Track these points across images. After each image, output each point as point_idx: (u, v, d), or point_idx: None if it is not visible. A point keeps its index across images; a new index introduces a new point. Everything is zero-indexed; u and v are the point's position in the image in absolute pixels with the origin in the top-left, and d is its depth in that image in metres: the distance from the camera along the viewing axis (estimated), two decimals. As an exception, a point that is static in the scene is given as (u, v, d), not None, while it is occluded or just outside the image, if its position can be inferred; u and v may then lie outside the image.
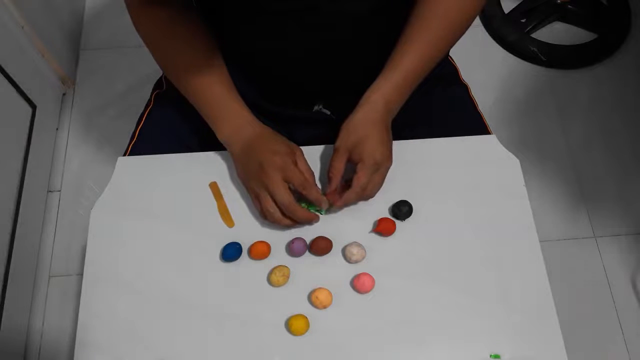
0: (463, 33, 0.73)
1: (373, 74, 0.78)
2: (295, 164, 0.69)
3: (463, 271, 0.68)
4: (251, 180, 0.70)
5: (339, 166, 0.69)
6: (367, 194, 0.69)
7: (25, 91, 1.30)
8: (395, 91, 0.71)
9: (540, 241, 0.70)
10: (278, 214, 0.68)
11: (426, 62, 0.72)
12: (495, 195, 0.73)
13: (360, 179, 0.67)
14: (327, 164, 0.75)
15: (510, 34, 1.66)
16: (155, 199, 0.72)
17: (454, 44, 0.74)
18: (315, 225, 0.71)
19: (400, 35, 0.72)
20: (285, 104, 0.82)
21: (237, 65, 0.78)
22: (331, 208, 0.70)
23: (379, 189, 0.69)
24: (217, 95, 0.73)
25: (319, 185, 0.73)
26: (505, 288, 0.67)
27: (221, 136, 0.73)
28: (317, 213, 0.70)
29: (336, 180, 0.69)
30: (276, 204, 0.67)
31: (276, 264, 0.67)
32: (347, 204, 0.70)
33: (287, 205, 0.67)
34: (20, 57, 1.30)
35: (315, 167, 0.74)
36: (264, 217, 0.69)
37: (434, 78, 0.78)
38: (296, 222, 0.69)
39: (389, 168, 0.70)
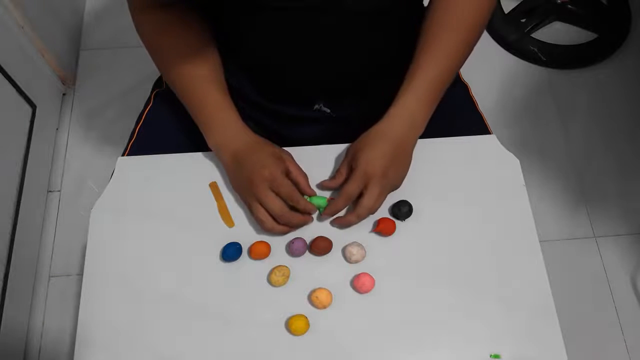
0: (480, 36, 0.73)
1: (374, 73, 0.78)
2: (286, 172, 0.69)
3: (463, 271, 0.68)
4: (242, 191, 0.70)
5: (342, 170, 0.70)
6: (359, 210, 0.67)
7: (25, 91, 1.30)
8: (419, 106, 0.70)
9: (540, 241, 0.70)
10: (270, 223, 0.68)
11: (448, 71, 0.72)
12: (495, 195, 0.73)
13: (348, 185, 0.68)
14: (326, 163, 0.75)
15: (510, 34, 1.66)
16: (155, 199, 0.72)
17: (472, 48, 0.74)
18: (315, 225, 0.71)
19: (418, 45, 0.72)
20: (285, 102, 0.81)
21: (238, 63, 0.78)
22: (325, 217, 0.71)
23: (373, 208, 0.68)
24: (210, 103, 0.73)
25: (315, 187, 0.72)
26: (505, 288, 0.67)
27: (211, 144, 0.74)
28: (317, 209, 0.71)
29: (335, 183, 0.70)
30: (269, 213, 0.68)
31: (276, 264, 0.67)
32: (335, 212, 0.69)
33: (280, 215, 0.67)
34: (20, 57, 1.30)
35: (316, 166, 0.74)
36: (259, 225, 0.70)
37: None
38: (291, 228, 0.69)
39: (386, 186, 0.68)
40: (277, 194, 0.68)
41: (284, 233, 0.69)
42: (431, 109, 0.72)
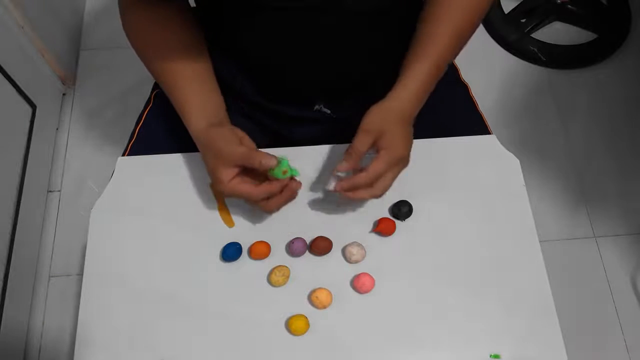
0: (478, 26, 0.73)
1: (374, 73, 0.78)
2: (237, 167, 0.65)
3: (463, 271, 0.68)
4: None
5: (363, 149, 0.64)
6: (376, 189, 0.65)
7: (25, 91, 1.30)
8: (424, 87, 0.68)
9: (540, 241, 0.70)
10: (262, 208, 0.66)
11: (450, 54, 0.70)
12: (495, 195, 0.73)
13: (379, 165, 0.63)
14: (326, 164, 0.75)
15: (510, 34, 1.66)
16: (155, 199, 0.72)
17: (471, 35, 0.73)
18: (315, 225, 0.70)
19: (421, 24, 0.70)
20: (285, 102, 0.81)
21: (238, 63, 0.78)
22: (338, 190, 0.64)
23: (388, 189, 0.66)
24: (180, 94, 0.72)
25: (313, 190, 0.72)
26: (505, 288, 0.67)
27: None
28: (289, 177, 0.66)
29: (354, 163, 0.64)
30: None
31: (276, 264, 0.67)
32: (353, 188, 0.64)
33: (256, 206, 0.66)
34: (20, 57, 1.30)
35: (315, 166, 0.74)
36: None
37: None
38: (285, 201, 0.67)
39: (403, 168, 0.67)
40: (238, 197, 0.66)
41: (283, 203, 0.67)
42: (433, 87, 0.70)
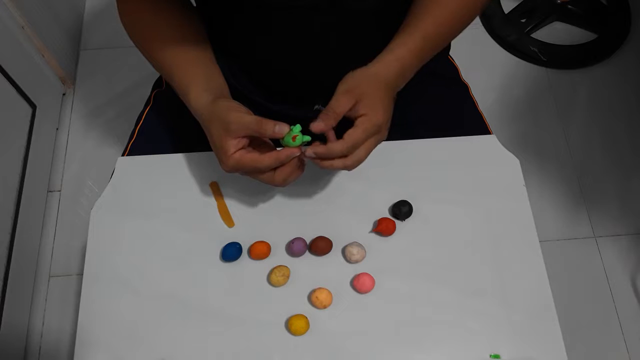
0: (477, 14, 0.72)
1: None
2: (246, 138, 0.63)
3: (463, 271, 0.68)
4: None
5: (343, 110, 0.60)
6: (349, 160, 0.60)
7: (25, 91, 1.30)
8: (411, 57, 0.67)
9: (540, 241, 0.70)
10: (273, 183, 0.63)
11: (441, 34, 0.69)
12: (495, 195, 0.73)
13: (357, 133, 0.59)
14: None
15: (510, 34, 1.66)
16: (155, 199, 0.72)
17: (469, 21, 0.72)
18: (315, 225, 0.70)
19: (415, 2, 0.70)
20: (285, 102, 0.82)
21: (239, 63, 0.78)
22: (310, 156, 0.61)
23: (363, 160, 0.61)
24: (181, 73, 0.71)
25: (313, 190, 0.72)
26: (505, 288, 0.67)
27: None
28: (303, 139, 0.62)
29: (330, 124, 0.60)
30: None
31: (276, 264, 0.67)
32: (328, 157, 0.60)
33: (262, 171, 0.62)
34: (20, 57, 1.30)
35: (315, 167, 0.73)
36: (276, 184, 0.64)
37: (433, 77, 0.78)
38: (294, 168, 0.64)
39: (380, 141, 0.63)
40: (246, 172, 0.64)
41: (291, 177, 0.64)
42: (418, 66, 0.69)
